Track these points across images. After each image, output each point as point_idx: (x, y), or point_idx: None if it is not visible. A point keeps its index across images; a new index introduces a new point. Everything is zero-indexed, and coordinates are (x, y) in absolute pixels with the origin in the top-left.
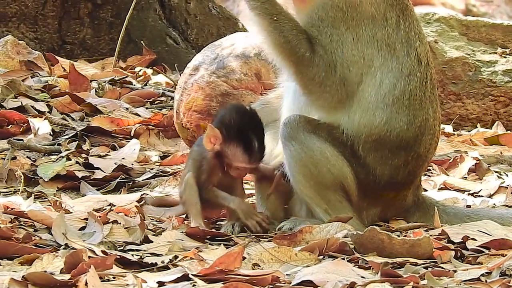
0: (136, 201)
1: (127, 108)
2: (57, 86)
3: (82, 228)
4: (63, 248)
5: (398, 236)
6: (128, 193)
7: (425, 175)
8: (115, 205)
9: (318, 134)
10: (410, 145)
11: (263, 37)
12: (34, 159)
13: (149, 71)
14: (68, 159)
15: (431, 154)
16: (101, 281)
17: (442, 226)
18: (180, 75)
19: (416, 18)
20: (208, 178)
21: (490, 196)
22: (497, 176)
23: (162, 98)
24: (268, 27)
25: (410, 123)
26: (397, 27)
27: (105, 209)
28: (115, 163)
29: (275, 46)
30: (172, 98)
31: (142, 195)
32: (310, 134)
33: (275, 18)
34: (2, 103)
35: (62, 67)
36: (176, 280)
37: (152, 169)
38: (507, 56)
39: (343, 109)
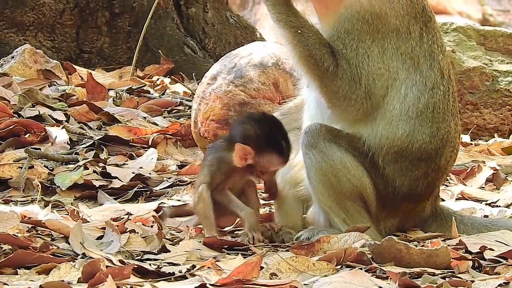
0: (154, 210)
1: (144, 117)
2: (74, 95)
3: (100, 238)
4: (81, 258)
5: (416, 246)
6: (145, 202)
7: (443, 184)
8: (132, 214)
9: (339, 143)
10: (431, 157)
11: (288, 49)
12: (51, 168)
13: (167, 80)
14: (86, 168)
15: (450, 166)
16: None
17: (459, 236)
18: (198, 84)
19: (439, 29)
20: (225, 180)
21: (508, 206)
22: None
23: (180, 107)
24: (292, 40)
25: (433, 136)
26: (421, 40)
27: (123, 218)
28: (133, 172)
29: (299, 59)
30: (190, 107)
31: (159, 204)
32: (331, 143)
33: (299, 31)
34: (19, 112)
35: (80, 76)
36: None
37: (169, 178)
38: None
39: (366, 121)
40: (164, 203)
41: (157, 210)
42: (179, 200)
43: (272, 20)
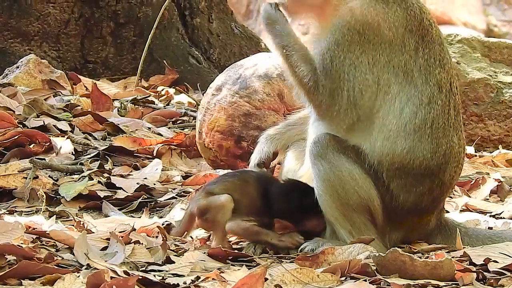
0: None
1: (149, 128)
2: (79, 105)
3: (104, 248)
4: (85, 268)
5: (420, 257)
6: (150, 213)
7: (447, 196)
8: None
9: (348, 154)
10: (434, 173)
11: (280, 65)
12: (56, 179)
13: (172, 90)
14: (90, 178)
15: (455, 181)
16: None
17: (464, 248)
18: (203, 94)
19: (441, 42)
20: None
21: None
22: None
23: (185, 118)
24: (281, 60)
25: (434, 152)
26: (416, 54)
27: (127, 229)
28: (137, 183)
29: (287, 75)
30: (195, 118)
31: (165, 223)
32: (340, 154)
33: (285, 51)
34: (24, 122)
35: (85, 86)
36: None
37: (174, 189)
38: None
39: (363, 135)
40: (169, 222)
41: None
42: (182, 209)
43: (268, 36)
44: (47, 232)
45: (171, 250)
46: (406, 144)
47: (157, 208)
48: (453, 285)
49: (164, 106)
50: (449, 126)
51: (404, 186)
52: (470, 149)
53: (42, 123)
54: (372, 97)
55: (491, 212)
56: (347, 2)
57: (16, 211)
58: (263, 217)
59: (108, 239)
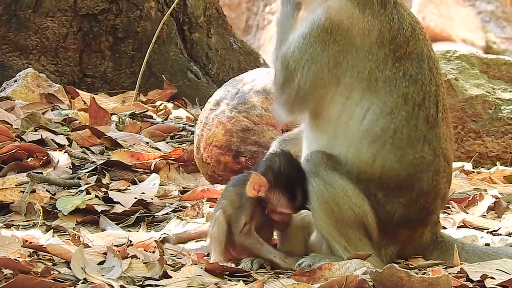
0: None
1: (147, 142)
2: (77, 120)
3: (101, 263)
4: (82, 283)
5: (417, 273)
6: (147, 227)
7: (445, 212)
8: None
9: (340, 170)
10: (407, 182)
11: None
12: (53, 193)
13: (170, 105)
14: (88, 193)
15: (442, 191)
16: None
17: (461, 264)
18: (201, 109)
19: (420, 59)
20: (250, 221)
21: (509, 234)
22: None
23: (183, 133)
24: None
25: (399, 161)
26: (384, 65)
27: (124, 243)
28: (135, 198)
29: None
30: (193, 132)
31: (162, 235)
32: (332, 170)
33: (277, 28)
34: (22, 136)
35: (83, 100)
36: None
37: (172, 204)
38: None
39: (329, 140)
40: (167, 234)
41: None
42: (179, 224)
43: None
44: (44, 246)
45: (168, 264)
46: (369, 152)
47: (155, 223)
48: None
49: (162, 121)
50: (418, 137)
51: (386, 196)
52: (468, 166)
53: (40, 137)
54: (327, 97)
55: (488, 229)
56: (326, 0)
57: (13, 225)
58: (264, 228)
59: (105, 253)
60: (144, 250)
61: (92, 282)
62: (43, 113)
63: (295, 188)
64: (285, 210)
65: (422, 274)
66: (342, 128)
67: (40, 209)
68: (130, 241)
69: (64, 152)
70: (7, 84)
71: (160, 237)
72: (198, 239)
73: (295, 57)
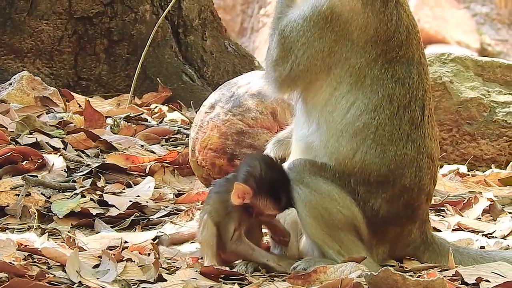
0: (152, 239)
1: (142, 145)
2: (72, 123)
3: (96, 266)
4: (77, 286)
5: (412, 276)
6: (142, 230)
7: (439, 215)
8: (128, 242)
9: (324, 176)
10: (389, 178)
11: None
12: (48, 196)
13: (165, 108)
14: (83, 196)
15: (426, 187)
16: None
17: (456, 267)
18: (196, 112)
19: (411, 63)
20: (239, 227)
21: (504, 237)
22: (511, 217)
23: (178, 136)
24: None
25: (380, 157)
26: (374, 64)
27: (119, 246)
28: (130, 201)
29: None
30: (188, 135)
31: (157, 234)
32: (316, 176)
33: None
34: (17, 139)
35: (78, 103)
36: None
37: (166, 207)
38: None
39: (313, 126)
40: (162, 234)
41: (154, 240)
42: (174, 226)
43: None
44: (39, 250)
45: (163, 268)
46: (349, 145)
47: (150, 226)
48: None
49: (157, 124)
50: (400, 136)
51: (368, 192)
52: (463, 168)
53: (35, 140)
54: (316, 83)
55: (483, 232)
56: None
57: (8, 228)
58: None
59: (100, 256)
60: (139, 253)
61: (87, 286)
62: (38, 116)
63: (279, 189)
64: (272, 212)
65: (417, 277)
66: (325, 118)
67: (35, 212)
68: (125, 241)
69: (59, 155)
70: (2, 87)
71: (155, 237)
72: (192, 241)
73: (293, 37)
